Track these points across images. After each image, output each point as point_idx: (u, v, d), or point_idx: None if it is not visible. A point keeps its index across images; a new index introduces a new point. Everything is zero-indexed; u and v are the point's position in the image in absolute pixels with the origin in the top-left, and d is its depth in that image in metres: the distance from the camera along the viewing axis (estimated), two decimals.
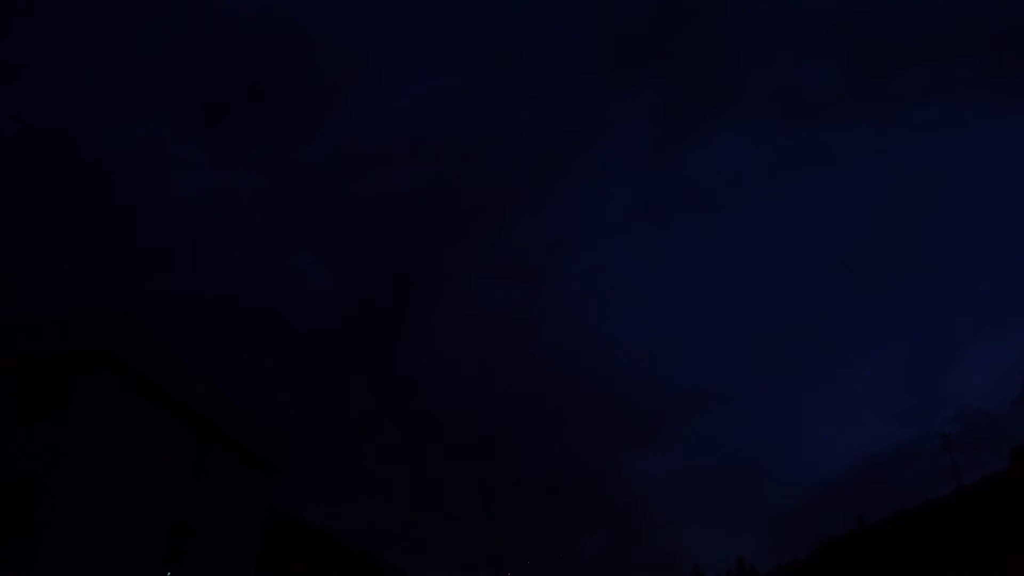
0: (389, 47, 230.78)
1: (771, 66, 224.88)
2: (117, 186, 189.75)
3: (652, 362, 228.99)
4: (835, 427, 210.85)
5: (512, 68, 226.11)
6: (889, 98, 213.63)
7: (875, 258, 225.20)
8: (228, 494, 25.75)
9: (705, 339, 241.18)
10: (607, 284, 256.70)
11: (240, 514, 26.77)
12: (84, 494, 18.14)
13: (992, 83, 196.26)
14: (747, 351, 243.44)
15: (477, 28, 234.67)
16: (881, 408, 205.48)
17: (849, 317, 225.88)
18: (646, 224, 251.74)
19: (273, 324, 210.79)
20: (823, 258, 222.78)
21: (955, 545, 38.88)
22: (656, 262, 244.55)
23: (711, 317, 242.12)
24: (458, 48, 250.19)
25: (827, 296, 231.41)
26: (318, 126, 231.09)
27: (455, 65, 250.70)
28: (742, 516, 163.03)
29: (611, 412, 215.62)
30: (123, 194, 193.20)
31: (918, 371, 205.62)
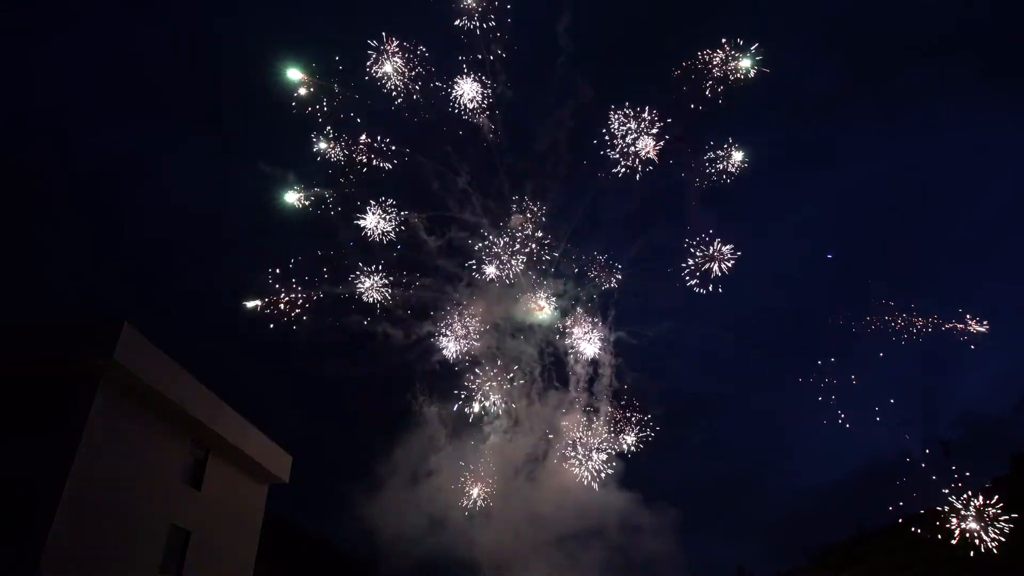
0: None
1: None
2: (117, 186, 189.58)
3: (652, 363, 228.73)
4: (835, 432, 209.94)
5: None
6: (889, 98, 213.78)
7: (875, 258, 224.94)
8: (227, 501, 25.64)
9: (705, 342, 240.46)
10: None
11: (238, 521, 26.66)
12: (83, 501, 18.08)
13: (993, 83, 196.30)
14: (747, 354, 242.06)
15: None
16: (881, 413, 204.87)
17: (849, 318, 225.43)
18: None
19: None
20: (823, 258, 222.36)
21: (955, 552, 38.76)
22: None
23: (711, 318, 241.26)
24: None
25: (827, 296, 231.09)
26: None
27: None
28: (741, 523, 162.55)
29: None
30: (123, 194, 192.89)
31: (919, 375, 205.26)
